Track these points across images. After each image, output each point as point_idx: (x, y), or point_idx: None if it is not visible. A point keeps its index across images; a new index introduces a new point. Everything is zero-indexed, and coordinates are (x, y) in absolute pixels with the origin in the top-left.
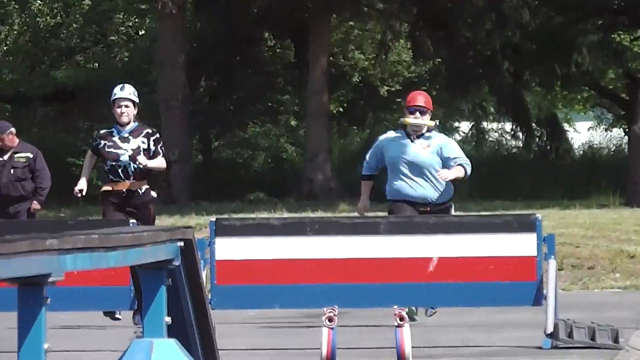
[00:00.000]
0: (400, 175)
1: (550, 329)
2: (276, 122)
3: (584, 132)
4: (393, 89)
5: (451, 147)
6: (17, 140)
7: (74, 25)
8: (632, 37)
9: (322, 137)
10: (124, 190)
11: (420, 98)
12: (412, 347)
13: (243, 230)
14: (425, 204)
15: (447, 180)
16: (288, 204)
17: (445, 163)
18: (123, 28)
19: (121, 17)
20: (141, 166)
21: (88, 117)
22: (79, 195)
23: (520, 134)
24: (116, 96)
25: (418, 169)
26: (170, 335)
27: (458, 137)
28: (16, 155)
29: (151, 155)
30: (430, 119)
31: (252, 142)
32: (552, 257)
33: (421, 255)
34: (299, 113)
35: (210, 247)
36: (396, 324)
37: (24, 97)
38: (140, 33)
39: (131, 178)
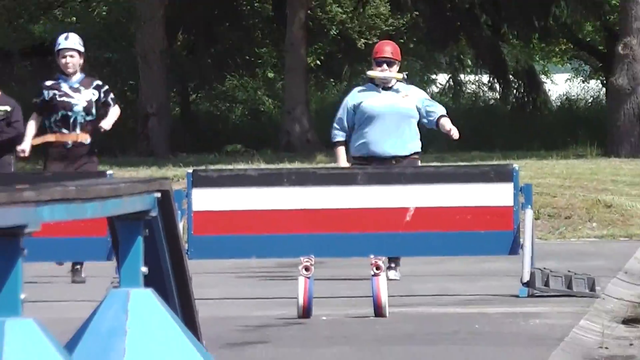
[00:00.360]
0: (371, 129)
1: (526, 278)
2: (254, 75)
3: (561, 84)
4: (370, 42)
5: (430, 100)
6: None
7: None
8: None
9: (300, 90)
10: (70, 142)
11: (387, 48)
12: (389, 296)
13: (220, 181)
14: (395, 158)
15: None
16: (265, 155)
17: (425, 115)
18: None
19: None
20: (102, 130)
21: None
22: (22, 155)
23: (497, 86)
24: (60, 46)
25: (394, 120)
26: (147, 285)
27: (435, 90)
28: None
29: (101, 105)
30: (399, 71)
31: (230, 95)
32: (529, 206)
33: (398, 205)
34: (276, 66)
35: (188, 198)
36: (372, 272)
37: (2, 52)
38: None
39: (78, 130)
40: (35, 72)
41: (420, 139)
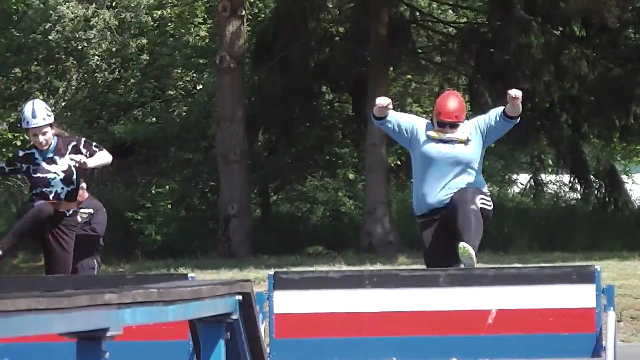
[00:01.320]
0: (432, 178)
1: None
2: (334, 176)
3: None
4: None
5: (484, 115)
6: (86, 195)
7: (132, 80)
8: None
9: (381, 190)
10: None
11: (452, 109)
12: None
13: (302, 283)
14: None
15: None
16: (347, 257)
17: (491, 121)
18: (181, 82)
19: (179, 71)
20: (79, 164)
21: (147, 172)
22: None
23: (578, 186)
24: (30, 126)
25: (451, 169)
26: None
27: (517, 190)
28: (81, 211)
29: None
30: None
31: (310, 196)
32: (612, 308)
33: (480, 308)
34: (357, 166)
35: (269, 301)
36: None
37: None
38: (199, 87)
39: (62, 201)
40: (115, 173)
41: (501, 240)
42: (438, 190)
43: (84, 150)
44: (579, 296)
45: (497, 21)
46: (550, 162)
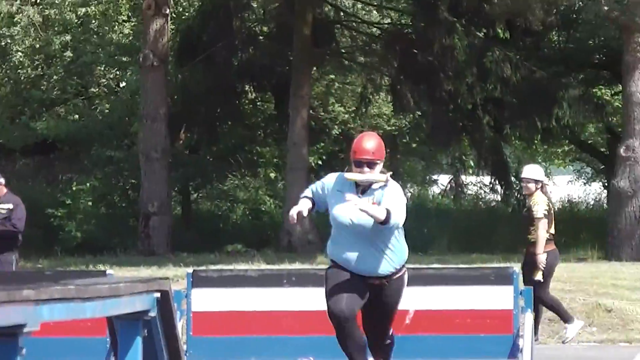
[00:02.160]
0: (343, 240)
1: None
2: (256, 175)
3: (563, 186)
4: None
5: (391, 195)
6: (5, 190)
7: (55, 77)
8: (612, 92)
9: (301, 189)
10: None
11: (369, 148)
12: None
13: (220, 281)
14: (371, 278)
15: (362, 209)
16: (266, 255)
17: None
18: (104, 80)
19: (102, 69)
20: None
21: (68, 168)
22: None
23: (499, 188)
24: None
25: (364, 235)
26: None
27: (437, 190)
28: (0, 205)
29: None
30: (382, 169)
31: (231, 194)
32: (529, 310)
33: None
34: (278, 165)
35: (187, 299)
36: None
37: (4, 148)
38: (122, 85)
39: None
40: (36, 170)
41: (420, 241)
42: (353, 258)
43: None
44: (497, 298)
45: (422, 22)
46: (471, 163)
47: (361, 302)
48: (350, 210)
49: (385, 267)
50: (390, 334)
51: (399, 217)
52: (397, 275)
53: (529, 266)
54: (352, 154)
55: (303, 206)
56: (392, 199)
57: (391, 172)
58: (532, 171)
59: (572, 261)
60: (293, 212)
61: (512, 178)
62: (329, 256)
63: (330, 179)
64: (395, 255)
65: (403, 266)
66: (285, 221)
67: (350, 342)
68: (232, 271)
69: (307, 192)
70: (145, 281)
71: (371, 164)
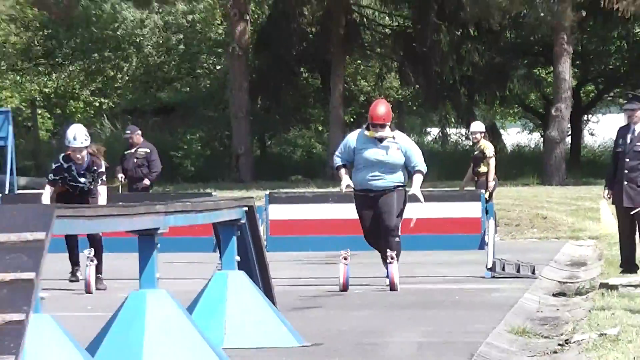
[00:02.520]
0: (368, 170)
1: (489, 265)
2: (309, 128)
3: (513, 135)
4: None
5: (414, 152)
6: (142, 139)
7: (173, 62)
8: (547, 71)
9: (339, 138)
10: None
11: (380, 114)
12: (400, 277)
13: (287, 200)
14: (382, 191)
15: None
16: (317, 182)
17: (407, 163)
18: (206, 64)
19: (204, 57)
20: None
21: (183, 124)
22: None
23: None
24: (70, 145)
25: (385, 166)
26: (239, 269)
27: (430, 138)
28: (139, 150)
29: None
30: (390, 128)
31: (292, 142)
32: (491, 218)
33: (405, 217)
34: (323, 122)
35: (266, 211)
36: (388, 261)
37: (140, 111)
38: (218, 67)
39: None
40: (161, 125)
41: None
42: (371, 178)
43: (99, 181)
44: (470, 210)
45: (418, 24)
46: (452, 120)
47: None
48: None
49: (390, 184)
50: (398, 235)
51: (423, 165)
52: (399, 188)
53: (480, 188)
54: (369, 118)
55: (345, 179)
56: (416, 155)
57: (395, 130)
58: (476, 126)
59: (519, 186)
60: (343, 186)
61: None
62: (354, 187)
63: (352, 137)
64: (399, 178)
65: (402, 183)
66: (329, 160)
67: (372, 239)
68: (295, 193)
69: (338, 161)
70: (237, 199)
71: (382, 125)
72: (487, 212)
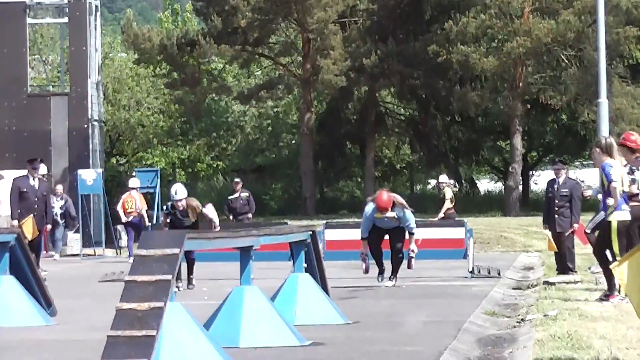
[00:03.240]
0: (376, 229)
1: (470, 269)
2: (352, 180)
3: (485, 184)
4: None
5: (407, 216)
6: (241, 188)
7: (264, 138)
8: (505, 143)
9: (371, 186)
10: None
11: (383, 207)
12: (409, 278)
13: (337, 226)
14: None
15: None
16: (357, 215)
17: (402, 224)
18: (285, 140)
19: (284, 134)
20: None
21: (270, 178)
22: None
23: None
24: (174, 198)
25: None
26: (306, 272)
27: (430, 187)
28: (241, 194)
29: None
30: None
31: (341, 189)
32: (471, 237)
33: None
34: (361, 176)
35: (323, 234)
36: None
37: (242, 170)
38: (293, 142)
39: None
40: (256, 179)
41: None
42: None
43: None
44: (457, 233)
45: (422, 114)
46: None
47: (381, 238)
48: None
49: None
50: (401, 253)
51: (414, 224)
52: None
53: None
54: (377, 207)
55: (366, 248)
56: (405, 216)
57: (396, 214)
58: (442, 178)
59: (489, 217)
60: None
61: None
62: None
63: (369, 208)
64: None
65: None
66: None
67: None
68: (342, 222)
69: (364, 234)
70: (305, 227)
71: (386, 209)
72: (468, 234)
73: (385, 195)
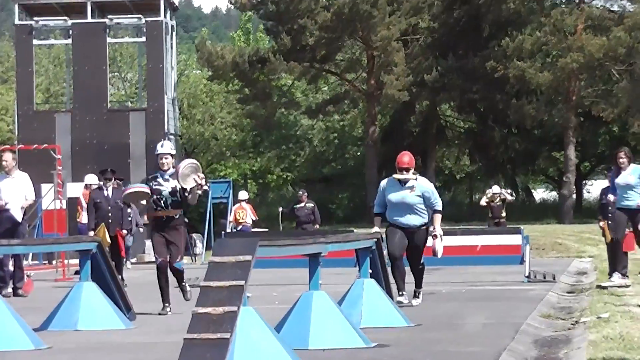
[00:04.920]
0: (395, 210)
1: (527, 274)
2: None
3: (540, 193)
4: None
5: (432, 193)
6: (306, 199)
7: (331, 150)
8: (559, 154)
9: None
10: (164, 216)
11: (404, 161)
12: (469, 282)
13: None
14: (410, 228)
15: (439, 235)
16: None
17: (427, 203)
18: (351, 151)
19: (350, 147)
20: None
21: (337, 188)
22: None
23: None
24: (158, 152)
25: (406, 206)
26: (370, 277)
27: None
28: (307, 204)
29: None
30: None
31: None
32: (527, 244)
33: (474, 244)
34: None
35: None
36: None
37: (310, 180)
38: (358, 153)
39: (169, 208)
40: (323, 189)
41: (470, 213)
42: (399, 216)
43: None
44: (515, 239)
45: (481, 126)
46: (502, 184)
47: (405, 245)
48: (396, 195)
49: (417, 222)
50: (422, 261)
51: (439, 204)
52: (424, 227)
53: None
54: (396, 164)
55: (376, 227)
56: (429, 192)
57: (418, 173)
58: (495, 188)
59: (544, 224)
60: (372, 231)
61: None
62: (388, 221)
63: (383, 183)
64: (422, 217)
65: (426, 223)
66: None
67: (397, 272)
68: None
69: (376, 209)
70: (369, 234)
71: (407, 169)
72: (525, 241)
73: (407, 153)
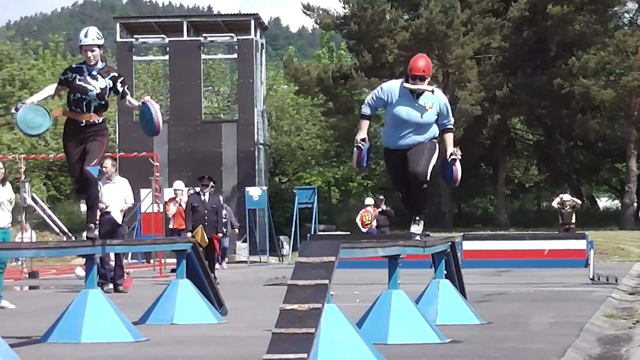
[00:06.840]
0: (399, 129)
1: (591, 276)
2: (485, 197)
3: (604, 202)
4: None
5: (448, 109)
6: (383, 202)
7: None
8: (621, 165)
9: (503, 203)
10: (84, 121)
11: (421, 66)
12: (536, 283)
13: (473, 238)
14: (413, 145)
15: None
16: (490, 228)
17: (440, 120)
18: None
19: None
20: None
21: None
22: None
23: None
24: (82, 43)
25: (416, 125)
26: (445, 277)
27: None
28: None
29: (120, 94)
30: (429, 83)
31: (475, 206)
32: (592, 248)
33: (542, 248)
34: (495, 195)
35: (461, 245)
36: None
37: (385, 188)
38: None
39: (92, 111)
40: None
41: (538, 219)
42: (402, 137)
43: (120, 86)
44: (580, 244)
45: (548, 139)
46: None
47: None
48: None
49: (422, 140)
50: (426, 181)
51: (452, 120)
52: (428, 141)
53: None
54: (409, 70)
55: (362, 133)
56: (447, 107)
57: (436, 85)
58: (566, 197)
59: (607, 230)
60: (357, 139)
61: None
62: (385, 144)
63: (391, 85)
64: (428, 134)
65: (431, 139)
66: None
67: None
68: (477, 234)
69: (366, 110)
70: (445, 238)
71: (422, 78)
72: (589, 246)
73: (423, 55)
